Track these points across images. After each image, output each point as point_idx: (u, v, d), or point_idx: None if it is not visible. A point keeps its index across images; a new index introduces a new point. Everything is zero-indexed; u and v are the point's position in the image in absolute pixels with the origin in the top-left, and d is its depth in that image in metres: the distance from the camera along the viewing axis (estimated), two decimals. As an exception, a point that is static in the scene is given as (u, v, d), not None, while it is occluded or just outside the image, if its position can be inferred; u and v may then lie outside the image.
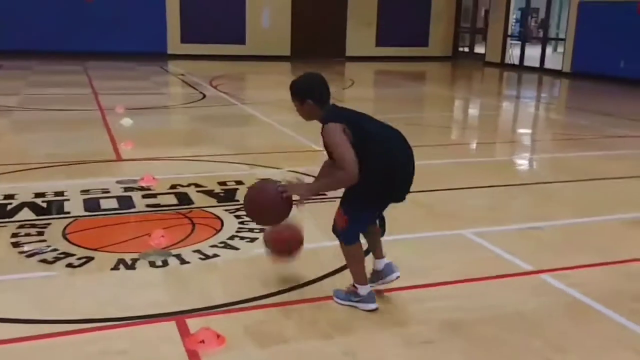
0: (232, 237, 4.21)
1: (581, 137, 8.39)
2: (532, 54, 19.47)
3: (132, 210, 4.75)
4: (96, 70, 14.56)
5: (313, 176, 3.69)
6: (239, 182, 5.54)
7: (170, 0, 18.66)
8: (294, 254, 3.39)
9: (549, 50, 20.05)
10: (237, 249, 4.03)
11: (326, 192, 4.12)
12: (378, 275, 3.39)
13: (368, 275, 3.34)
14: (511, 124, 10.49)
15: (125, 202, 4.92)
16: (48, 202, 4.87)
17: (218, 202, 5.00)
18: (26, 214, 4.57)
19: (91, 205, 4.82)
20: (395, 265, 3.40)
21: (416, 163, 3.19)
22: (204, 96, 11.02)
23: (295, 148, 7.12)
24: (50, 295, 3.35)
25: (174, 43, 19.00)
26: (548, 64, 18.28)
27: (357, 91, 13.02)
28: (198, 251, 3.96)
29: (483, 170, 6.42)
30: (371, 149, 3.02)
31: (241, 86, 12.82)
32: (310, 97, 3.13)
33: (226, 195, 5.17)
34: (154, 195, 5.12)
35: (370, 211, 3.27)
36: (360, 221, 3.23)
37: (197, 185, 5.41)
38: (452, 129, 9.45)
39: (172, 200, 5.03)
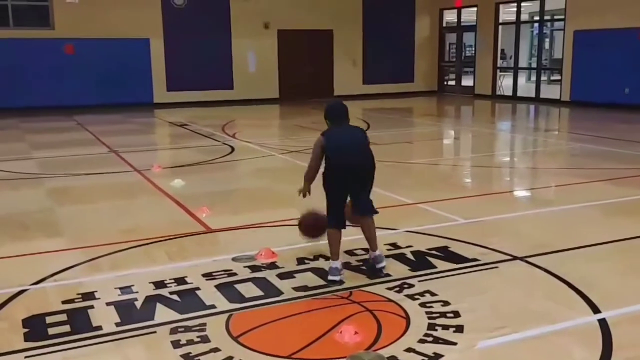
0: (432, 327, 3.57)
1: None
2: (519, 84, 19.59)
3: (283, 297, 4.06)
4: (93, 125, 13.67)
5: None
6: (368, 250, 4.91)
7: (155, 48, 17.99)
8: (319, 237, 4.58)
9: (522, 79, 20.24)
10: (453, 343, 3.40)
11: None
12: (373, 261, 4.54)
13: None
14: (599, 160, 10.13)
15: (266, 286, 4.21)
16: (178, 293, 4.12)
17: (369, 278, 4.37)
18: (164, 312, 3.83)
19: (231, 294, 4.10)
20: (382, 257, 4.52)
21: None
22: (233, 149, 10.34)
23: (383, 202, 6.50)
24: None
25: (160, 92, 18.27)
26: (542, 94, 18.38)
27: (383, 135, 12.55)
28: (411, 350, 3.32)
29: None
30: (329, 154, 4.40)
31: (257, 133, 12.17)
32: (327, 118, 4.64)
33: (370, 269, 4.53)
34: (291, 275, 4.43)
35: (333, 196, 4.45)
36: (331, 208, 4.45)
37: (325, 258, 4.76)
38: (539, 170, 9.06)
39: (315, 279, 4.35)
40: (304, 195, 4.58)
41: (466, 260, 4.70)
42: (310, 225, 4.57)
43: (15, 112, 15.86)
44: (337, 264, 4.39)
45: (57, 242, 5.37)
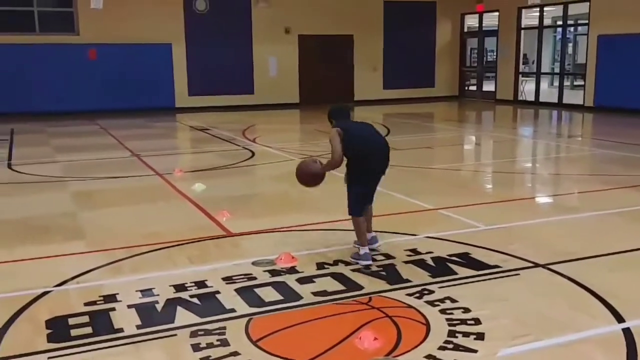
0: (452, 334, 3.55)
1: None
2: (542, 89, 19.42)
3: (302, 301, 4.06)
4: (116, 130, 13.83)
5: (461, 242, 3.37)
6: (388, 256, 4.90)
7: (177, 53, 18.16)
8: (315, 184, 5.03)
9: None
10: (474, 350, 3.37)
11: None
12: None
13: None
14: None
15: (285, 291, 4.21)
16: (198, 297, 4.15)
17: (389, 283, 4.35)
18: (185, 316, 3.85)
19: (251, 298, 4.10)
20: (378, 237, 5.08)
21: None
22: (253, 153, 10.39)
23: (403, 207, 6.51)
24: None
25: (181, 96, 18.42)
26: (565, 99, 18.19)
27: (403, 140, 12.51)
28: (431, 357, 3.30)
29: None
30: (356, 142, 4.74)
31: (276, 138, 12.21)
32: (331, 116, 5.03)
33: (389, 275, 4.52)
34: (311, 280, 4.43)
35: (360, 186, 4.82)
36: (356, 197, 4.82)
37: (345, 263, 4.76)
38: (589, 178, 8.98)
39: (335, 284, 4.34)
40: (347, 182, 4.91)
41: (487, 267, 4.66)
42: (307, 175, 5.00)
43: (40, 116, 16.11)
44: (367, 249, 4.78)
45: (80, 245, 5.42)
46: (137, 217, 6.43)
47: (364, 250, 4.77)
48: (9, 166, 9.45)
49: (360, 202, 4.84)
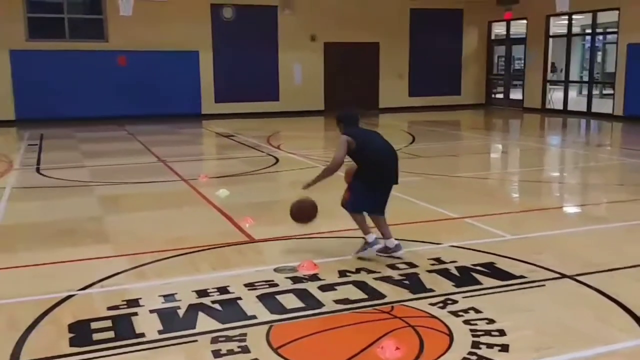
0: (476, 345, 3.49)
1: None
2: (570, 97, 19.13)
3: (324, 309, 4.03)
4: (143, 135, 13.98)
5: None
6: (411, 264, 4.86)
7: (204, 61, 18.33)
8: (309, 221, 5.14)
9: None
10: (497, 360, 3.31)
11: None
12: (387, 251, 5.00)
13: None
14: None
15: (307, 299, 4.19)
16: (220, 302, 4.15)
17: (412, 293, 4.30)
18: (206, 321, 3.85)
19: (273, 305, 4.09)
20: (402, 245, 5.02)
21: None
22: (277, 160, 10.41)
23: (428, 215, 6.45)
24: None
25: (208, 103, 18.57)
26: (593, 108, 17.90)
27: (428, 148, 12.43)
28: (454, 366, 3.25)
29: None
30: (369, 152, 4.90)
31: (300, 145, 12.23)
32: (341, 121, 5.11)
33: (412, 284, 4.47)
34: (332, 287, 4.40)
35: (365, 190, 4.93)
36: (358, 196, 4.94)
37: (367, 271, 4.72)
38: None
39: (357, 292, 4.31)
40: (306, 188, 5.08)
41: (513, 277, 4.58)
42: (300, 213, 5.12)
43: (70, 122, 16.35)
44: (374, 236, 5.00)
45: (105, 249, 5.48)
46: (162, 222, 6.47)
47: (372, 237, 4.98)
48: (38, 170, 9.61)
49: (361, 203, 4.96)
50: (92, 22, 17.56)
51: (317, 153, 11.17)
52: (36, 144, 12.70)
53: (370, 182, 4.93)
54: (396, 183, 5.05)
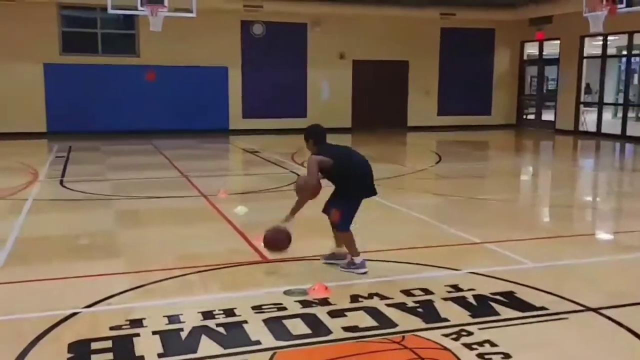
0: (489, 380, 3.29)
1: None
2: (604, 120, 18.66)
3: (331, 337, 3.87)
4: (168, 150, 14.02)
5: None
6: (427, 291, 4.66)
7: (233, 76, 18.41)
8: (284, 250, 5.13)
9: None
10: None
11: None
12: (335, 257, 5.28)
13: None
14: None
15: (315, 325, 4.03)
16: (224, 326, 4.01)
17: (425, 322, 4.11)
18: (208, 345, 3.71)
19: (278, 330, 3.94)
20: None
21: None
22: (299, 177, 10.27)
23: (448, 239, 6.24)
24: None
25: (235, 118, 18.61)
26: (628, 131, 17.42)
27: (454, 169, 12.17)
28: (464, 405, 3.05)
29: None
30: (350, 167, 5.04)
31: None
32: (311, 137, 5.14)
33: (426, 312, 4.28)
34: (343, 313, 4.23)
35: (353, 205, 5.08)
36: (348, 213, 5.06)
37: (380, 297, 4.54)
38: None
39: (367, 319, 4.13)
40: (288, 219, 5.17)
41: (533, 308, 4.35)
42: (273, 240, 5.13)
43: (98, 135, 16.53)
44: (361, 258, 5.12)
45: (116, 265, 5.41)
46: (176, 238, 6.39)
47: (360, 259, 5.11)
48: (61, 183, 9.66)
49: (349, 217, 5.09)
50: (125, 37, 17.79)
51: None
52: (64, 156, 12.83)
53: (356, 197, 5.10)
54: (376, 194, 5.21)
